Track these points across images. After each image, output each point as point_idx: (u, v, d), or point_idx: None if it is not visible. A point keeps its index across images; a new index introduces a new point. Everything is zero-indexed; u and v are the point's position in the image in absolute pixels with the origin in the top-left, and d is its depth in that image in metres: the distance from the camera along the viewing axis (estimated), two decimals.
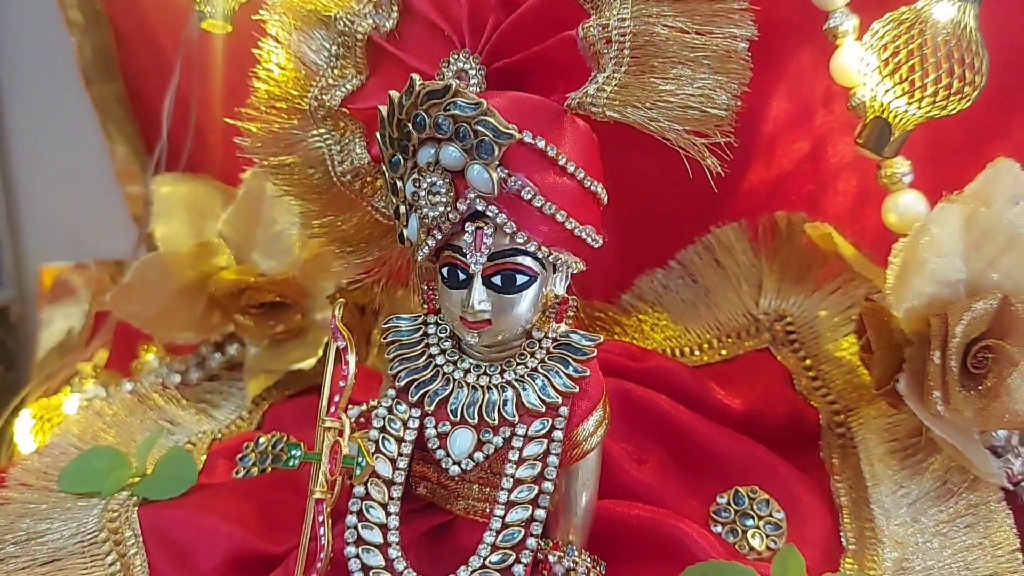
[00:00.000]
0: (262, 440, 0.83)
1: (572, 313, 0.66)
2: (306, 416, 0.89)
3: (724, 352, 0.88)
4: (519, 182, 0.61)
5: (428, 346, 0.66)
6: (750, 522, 0.73)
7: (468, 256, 0.62)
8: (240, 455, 0.82)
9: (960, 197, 0.68)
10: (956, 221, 0.68)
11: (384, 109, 0.64)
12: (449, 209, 0.62)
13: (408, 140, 0.63)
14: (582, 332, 0.66)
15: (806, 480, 0.77)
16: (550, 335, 0.66)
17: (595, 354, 0.65)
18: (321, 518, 0.62)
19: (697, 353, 0.89)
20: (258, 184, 0.92)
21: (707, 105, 0.57)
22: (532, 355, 0.65)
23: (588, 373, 0.64)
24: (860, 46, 0.70)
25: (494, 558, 0.59)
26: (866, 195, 0.87)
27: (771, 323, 0.89)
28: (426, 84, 0.61)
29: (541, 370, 0.64)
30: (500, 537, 0.60)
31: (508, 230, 0.61)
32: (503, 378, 0.64)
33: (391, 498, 0.61)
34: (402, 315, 0.68)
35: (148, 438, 0.78)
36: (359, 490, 0.61)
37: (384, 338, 0.67)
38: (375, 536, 0.60)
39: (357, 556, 0.60)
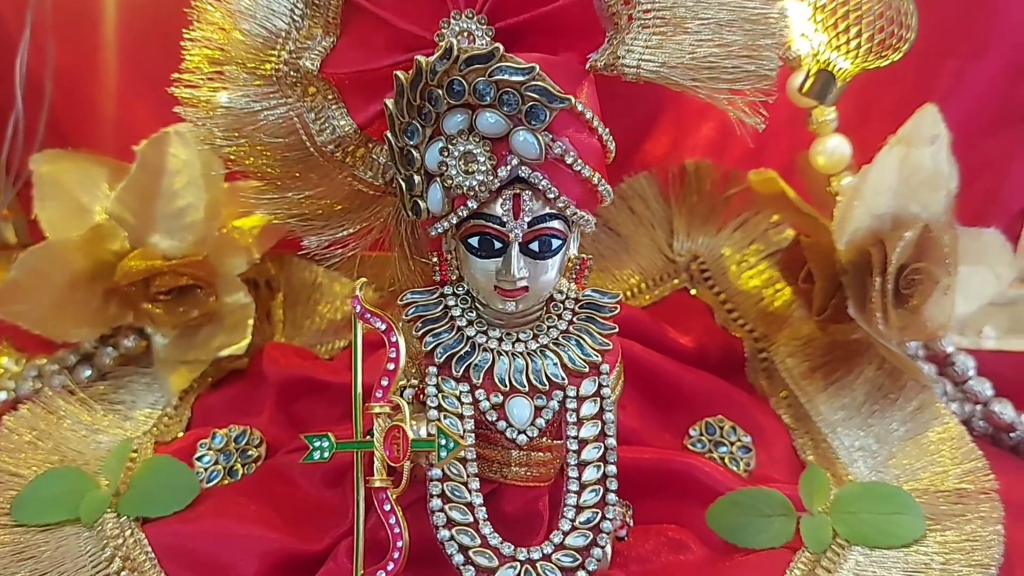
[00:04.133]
0: (219, 436, 0.77)
1: (588, 272, 0.67)
2: (239, 405, 0.85)
3: (657, 292, 0.93)
4: (562, 146, 0.60)
5: (453, 319, 0.65)
6: (723, 449, 0.79)
7: (507, 224, 0.61)
8: (196, 455, 0.75)
9: (894, 139, 0.77)
10: (894, 162, 0.76)
11: (403, 75, 0.61)
12: (490, 177, 0.60)
13: (435, 107, 0.61)
14: (599, 290, 0.67)
15: (760, 404, 0.84)
16: (571, 295, 0.67)
17: (619, 310, 0.67)
18: (388, 507, 0.60)
19: (628, 299, 0.93)
20: (156, 155, 0.83)
21: (754, 65, 0.59)
22: (559, 317, 0.66)
23: (617, 329, 0.66)
24: (803, 4, 0.76)
25: (581, 519, 0.60)
26: (765, 140, 0.95)
27: (687, 264, 0.95)
28: (466, 49, 0.58)
29: (573, 331, 0.65)
30: (581, 499, 0.61)
31: (550, 195, 0.61)
32: (538, 343, 0.65)
33: (470, 475, 0.60)
34: (415, 289, 0.66)
35: (116, 451, 0.70)
36: (436, 473, 0.59)
37: (406, 315, 0.65)
38: (465, 515, 0.59)
39: (452, 538, 0.58)
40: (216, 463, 0.75)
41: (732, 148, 0.96)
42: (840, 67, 0.76)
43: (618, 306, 0.67)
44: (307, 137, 0.68)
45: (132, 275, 0.82)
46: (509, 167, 0.60)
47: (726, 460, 0.78)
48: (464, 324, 0.65)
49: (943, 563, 0.63)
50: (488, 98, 0.59)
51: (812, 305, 0.83)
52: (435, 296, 0.66)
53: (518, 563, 0.58)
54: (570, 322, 0.66)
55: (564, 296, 0.66)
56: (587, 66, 0.64)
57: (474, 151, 0.60)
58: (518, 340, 0.65)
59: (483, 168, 0.60)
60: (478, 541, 0.58)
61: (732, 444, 0.80)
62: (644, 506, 0.71)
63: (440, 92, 0.60)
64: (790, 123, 0.96)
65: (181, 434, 0.81)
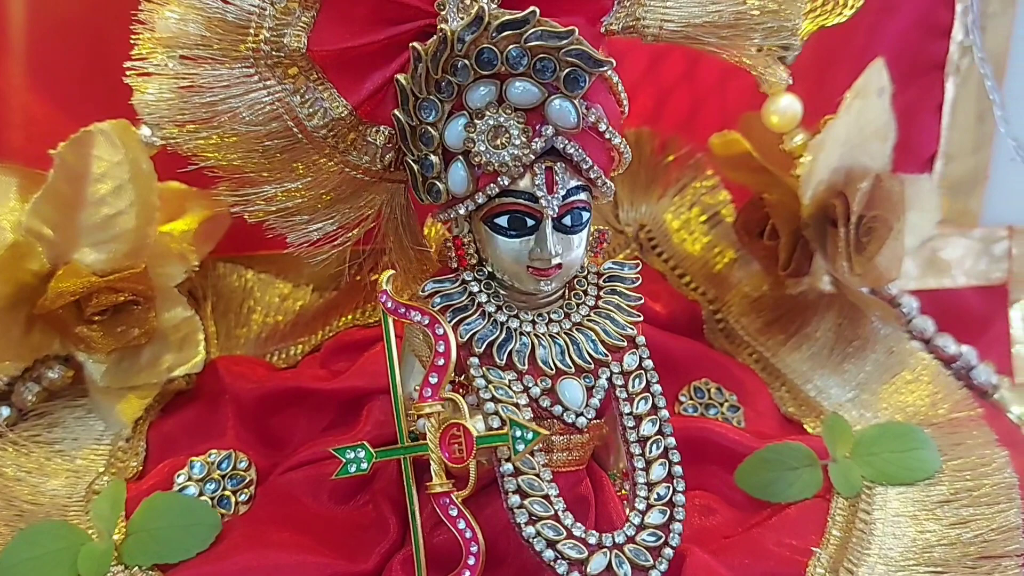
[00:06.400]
0: (197, 464, 0.69)
1: (607, 245, 0.66)
2: (199, 428, 0.77)
3: None
4: (596, 113, 0.58)
5: (481, 305, 0.61)
6: (713, 411, 0.80)
7: (542, 200, 0.58)
8: (176, 489, 0.67)
9: (851, 94, 0.79)
10: (853, 116, 0.79)
11: (421, 46, 0.57)
12: (524, 151, 0.57)
13: (458, 79, 0.57)
14: (617, 261, 0.66)
15: (738, 363, 0.85)
16: (591, 270, 0.65)
17: (640, 281, 0.65)
18: (454, 511, 0.56)
19: None
20: (78, 159, 0.73)
21: (775, 20, 0.59)
22: (585, 293, 0.64)
23: (643, 301, 0.65)
24: None
25: (654, 496, 0.58)
26: (697, 105, 0.96)
27: (635, 233, 0.95)
28: (498, 13, 0.55)
29: (603, 306, 0.63)
30: (650, 475, 0.59)
31: (584, 166, 0.59)
32: (571, 321, 0.62)
33: (540, 465, 0.57)
34: (436, 278, 0.62)
35: (108, 496, 0.61)
36: (508, 468, 0.55)
37: (432, 306, 0.60)
38: (546, 508, 0.56)
39: (538, 534, 0.55)
40: (201, 494, 0.67)
41: (667, 115, 0.97)
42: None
43: (639, 277, 0.65)
44: (294, 123, 0.62)
45: (65, 296, 0.72)
46: (544, 138, 0.57)
47: (719, 420, 0.79)
48: (493, 310, 0.61)
49: (970, 488, 0.66)
50: (521, 66, 0.56)
51: (778, 261, 0.85)
52: (458, 283, 0.62)
53: (607, 550, 0.56)
54: (597, 297, 0.64)
55: (585, 271, 0.64)
56: (602, 30, 0.61)
57: (505, 124, 0.57)
58: (551, 321, 0.62)
59: (516, 142, 0.57)
60: (563, 533, 0.55)
61: (721, 405, 0.80)
62: None
63: (467, 62, 0.56)
64: (720, 87, 0.98)
65: (139, 467, 0.73)
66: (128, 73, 0.62)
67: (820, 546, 0.63)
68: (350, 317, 0.83)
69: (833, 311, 0.87)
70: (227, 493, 0.68)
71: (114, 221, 0.75)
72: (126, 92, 0.74)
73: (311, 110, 0.62)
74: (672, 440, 0.60)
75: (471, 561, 0.55)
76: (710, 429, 0.73)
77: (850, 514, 0.65)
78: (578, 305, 0.63)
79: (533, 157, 0.57)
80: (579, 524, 0.56)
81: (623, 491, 0.65)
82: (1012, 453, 0.70)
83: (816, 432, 0.77)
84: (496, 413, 0.57)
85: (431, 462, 0.56)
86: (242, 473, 0.69)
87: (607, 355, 0.61)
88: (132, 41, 0.63)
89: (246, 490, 0.68)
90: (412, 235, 0.67)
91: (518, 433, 0.54)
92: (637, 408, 0.61)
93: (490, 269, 0.61)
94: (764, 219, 0.85)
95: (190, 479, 0.68)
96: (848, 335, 0.85)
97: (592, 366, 0.61)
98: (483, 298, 0.61)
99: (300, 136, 0.62)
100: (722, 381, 0.82)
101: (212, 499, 0.67)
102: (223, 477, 0.68)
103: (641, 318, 0.64)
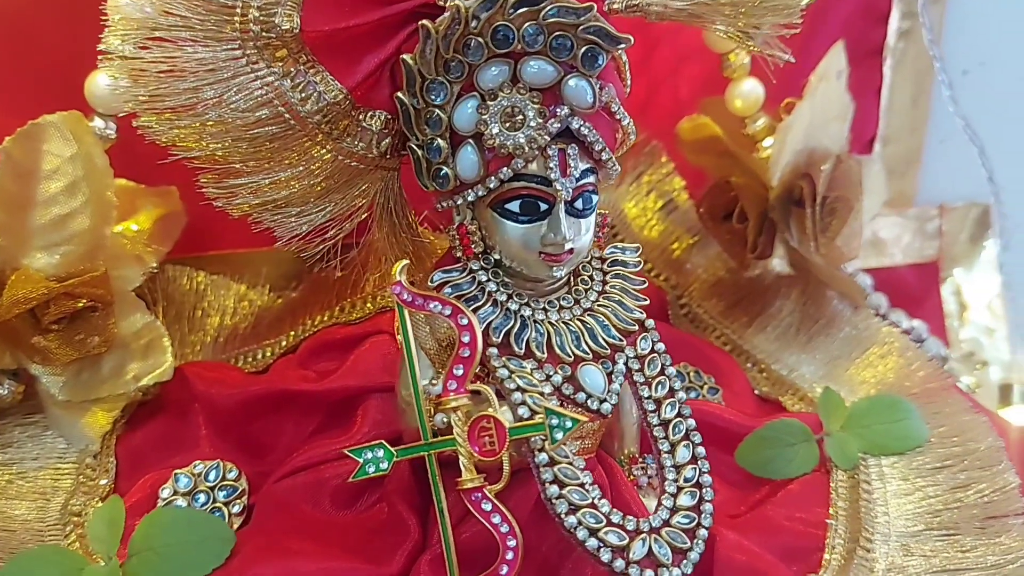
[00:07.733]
0: (183, 478, 0.64)
1: (609, 230, 0.65)
2: (172, 439, 0.72)
3: None
4: (609, 93, 0.57)
5: (491, 294, 0.59)
6: (694, 394, 0.80)
7: (556, 184, 0.57)
8: (163, 504, 0.63)
9: (815, 77, 0.81)
10: (817, 99, 0.81)
11: (432, 24, 0.55)
12: (540, 133, 0.56)
13: (470, 59, 0.55)
14: (617, 245, 0.65)
15: (712, 346, 0.86)
16: (594, 255, 0.64)
17: (642, 264, 0.65)
18: (487, 506, 0.54)
19: None
20: (27, 154, 0.67)
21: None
22: (591, 278, 0.63)
23: (647, 284, 0.64)
24: None
25: (683, 479, 0.58)
26: (651, 93, 0.97)
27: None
28: None
29: (611, 291, 0.63)
30: (676, 457, 0.59)
31: (597, 147, 0.58)
32: (582, 307, 0.61)
33: (573, 454, 0.55)
34: (445, 268, 0.59)
35: (104, 514, 0.56)
36: (543, 458, 0.54)
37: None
38: (583, 497, 0.54)
39: (580, 523, 0.53)
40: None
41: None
42: None
43: (641, 260, 0.65)
44: (285, 108, 0.59)
45: (21, 304, 0.66)
46: (559, 119, 0.56)
47: None
48: (504, 299, 0.60)
49: (960, 454, 0.68)
50: (537, 44, 0.54)
51: (744, 243, 0.86)
52: (465, 273, 0.60)
53: (646, 535, 0.55)
54: (603, 282, 0.63)
55: (589, 257, 0.63)
56: (604, 8, 0.60)
57: (520, 105, 0.55)
58: (561, 308, 0.61)
59: (533, 123, 0.55)
60: (603, 521, 0.54)
61: (701, 388, 0.81)
62: None
63: (481, 41, 0.54)
64: (673, 75, 0.99)
65: (110, 484, 0.68)
66: (100, 58, 0.58)
67: (831, 519, 0.64)
68: (326, 316, 0.79)
69: (795, 291, 0.89)
70: (219, 505, 0.64)
71: (67, 221, 0.69)
72: (77, 81, 0.70)
73: (304, 95, 0.59)
74: (692, 421, 0.60)
75: (509, 556, 0.53)
76: (704, 410, 0.72)
77: (852, 486, 0.67)
78: (586, 291, 0.62)
79: (548, 139, 0.56)
80: (616, 511, 0.55)
81: (631, 477, 0.64)
82: None
83: (796, 408, 0.79)
84: (524, 403, 0.55)
85: (460, 457, 0.54)
86: (233, 483, 0.65)
87: (621, 340, 0.61)
88: (101, 22, 0.59)
89: (239, 501, 0.64)
90: (407, 225, 0.65)
91: (555, 421, 0.53)
92: (656, 392, 0.60)
93: (497, 257, 0.60)
94: (730, 203, 0.86)
95: (176, 492, 0.64)
96: (813, 314, 0.87)
97: (608, 351, 0.60)
98: (492, 287, 0.59)
99: (292, 123, 0.59)
100: (699, 364, 0.82)
101: (208, 511, 0.63)
102: (212, 489, 0.64)
103: (648, 302, 0.63)
